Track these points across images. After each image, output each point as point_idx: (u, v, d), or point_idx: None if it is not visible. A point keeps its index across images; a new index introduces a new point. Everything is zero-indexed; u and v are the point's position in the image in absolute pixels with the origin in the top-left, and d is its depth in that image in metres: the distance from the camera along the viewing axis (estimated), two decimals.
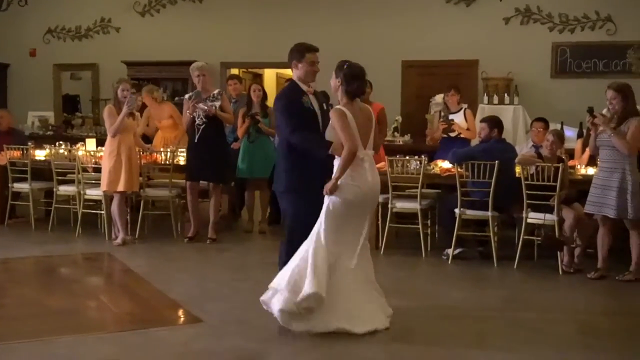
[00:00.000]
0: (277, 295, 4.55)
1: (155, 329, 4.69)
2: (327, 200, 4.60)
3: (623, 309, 5.42)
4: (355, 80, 4.68)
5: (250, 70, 12.01)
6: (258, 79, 12.25)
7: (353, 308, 4.56)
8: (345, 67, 4.71)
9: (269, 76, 12.78)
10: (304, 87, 4.97)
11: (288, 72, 11.84)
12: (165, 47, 10.94)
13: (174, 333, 4.69)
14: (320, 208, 4.62)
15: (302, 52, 4.99)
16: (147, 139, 8.66)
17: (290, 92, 4.96)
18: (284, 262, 4.82)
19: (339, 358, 4.21)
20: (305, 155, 4.78)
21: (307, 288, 4.40)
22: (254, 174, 8.13)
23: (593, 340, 4.57)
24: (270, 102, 8.69)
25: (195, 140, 7.46)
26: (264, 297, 4.66)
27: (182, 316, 5.11)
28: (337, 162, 4.63)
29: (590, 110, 6.20)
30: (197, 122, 7.41)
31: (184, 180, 7.79)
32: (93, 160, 7.94)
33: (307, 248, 4.56)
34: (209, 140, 7.46)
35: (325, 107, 5.05)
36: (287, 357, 4.22)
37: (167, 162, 7.88)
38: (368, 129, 4.70)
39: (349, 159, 4.52)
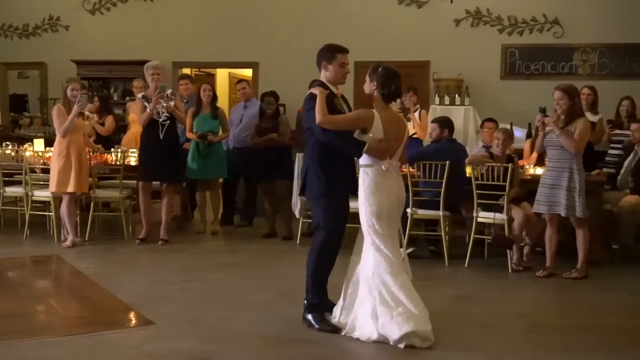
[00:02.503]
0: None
1: (105, 332, 4.61)
2: (362, 216, 4.54)
3: (570, 306, 5.54)
4: (392, 82, 4.56)
5: (202, 70, 11.91)
6: (210, 79, 12.17)
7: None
8: (380, 69, 4.59)
9: (222, 76, 12.70)
10: (334, 89, 4.75)
11: (241, 72, 11.88)
12: (116, 46, 10.78)
13: (125, 336, 4.63)
14: (347, 213, 4.64)
15: (333, 52, 4.79)
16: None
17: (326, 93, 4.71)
18: (312, 271, 4.76)
19: (295, 358, 4.21)
20: (337, 159, 4.64)
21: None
22: (206, 174, 8.08)
23: (542, 337, 4.65)
24: (220, 102, 8.69)
25: (161, 138, 7.38)
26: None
27: (133, 318, 5.03)
28: (363, 160, 4.55)
29: (543, 110, 6.33)
30: (162, 119, 7.33)
31: (135, 181, 7.70)
32: (41, 160, 7.79)
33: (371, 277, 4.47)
34: (170, 139, 7.43)
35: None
36: (241, 358, 4.20)
37: (118, 163, 7.77)
38: (398, 139, 4.59)
39: (320, 108, 4.45)
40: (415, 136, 8.12)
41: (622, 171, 7.36)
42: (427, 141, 7.90)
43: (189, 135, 8.04)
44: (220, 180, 8.56)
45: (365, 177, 4.55)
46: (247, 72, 11.06)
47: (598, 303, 5.56)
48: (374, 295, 4.43)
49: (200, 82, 9.23)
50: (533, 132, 7.91)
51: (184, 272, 6.38)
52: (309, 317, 4.73)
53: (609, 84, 9.05)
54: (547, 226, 6.39)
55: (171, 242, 7.57)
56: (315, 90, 4.60)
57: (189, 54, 10.70)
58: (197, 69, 11.57)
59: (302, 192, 4.85)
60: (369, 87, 4.64)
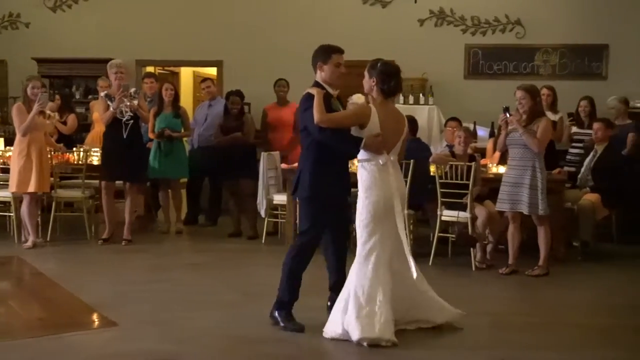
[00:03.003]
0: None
1: (68, 334, 4.55)
2: (359, 209, 4.55)
3: (533, 303, 5.63)
4: (391, 78, 4.59)
5: (166, 68, 11.81)
6: (174, 77, 12.08)
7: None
8: (379, 65, 4.61)
9: (186, 75, 12.61)
10: (330, 90, 4.75)
11: (205, 71, 11.80)
12: (77, 44, 10.60)
13: (88, 337, 4.58)
14: (337, 217, 4.66)
15: (328, 52, 4.80)
16: None
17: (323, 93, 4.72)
18: (287, 269, 4.78)
19: (257, 358, 4.20)
20: (332, 162, 4.65)
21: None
22: (167, 174, 8.03)
23: (505, 334, 4.71)
24: (182, 101, 8.63)
25: (124, 137, 7.29)
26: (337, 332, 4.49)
27: (96, 320, 4.97)
28: (361, 155, 4.57)
29: (506, 109, 6.41)
30: (126, 118, 7.25)
31: (98, 181, 7.61)
32: (1, 160, 7.65)
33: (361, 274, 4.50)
34: (133, 139, 7.36)
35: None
36: (204, 359, 4.18)
37: (80, 162, 7.66)
38: (396, 134, 4.61)
39: (318, 106, 4.49)
40: None
41: (582, 170, 7.49)
42: None
43: (150, 135, 7.98)
44: (184, 180, 8.51)
45: (363, 172, 4.58)
46: (212, 71, 11.00)
47: (559, 300, 5.65)
48: (349, 289, 4.49)
49: (164, 81, 9.16)
50: (496, 131, 8.01)
51: (148, 272, 6.33)
52: (276, 314, 4.74)
53: (569, 84, 9.19)
54: (509, 224, 6.47)
55: (135, 243, 7.49)
56: (313, 90, 4.63)
57: (152, 52, 10.58)
58: (161, 68, 11.46)
59: (294, 193, 4.86)
60: (368, 83, 4.67)
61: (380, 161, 4.52)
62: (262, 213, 7.76)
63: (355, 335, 4.33)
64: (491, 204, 6.76)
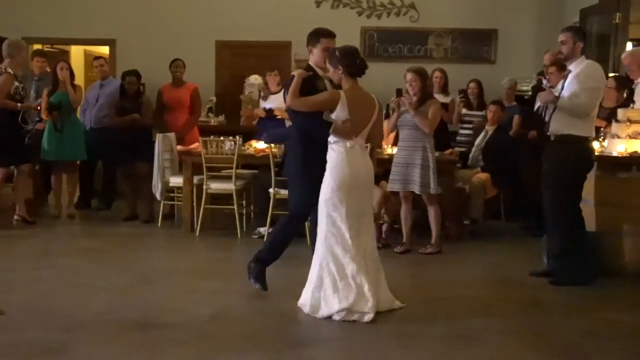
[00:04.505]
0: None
1: None
2: (323, 187, 4.65)
3: (425, 279, 5.77)
4: (352, 57, 4.69)
5: (55, 46, 11.32)
6: (65, 56, 11.59)
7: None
8: (336, 53, 4.71)
9: (77, 53, 12.13)
10: (320, 72, 4.92)
11: (97, 50, 11.40)
12: None
13: None
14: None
15: (317, 36, 5.00)
16: None
17: (307, 75, 4.87)
18: (273, 237, 5.14)
19: (151, 343, 4.12)
20: (317, 140, 4.75)
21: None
22: (63, 156, 7.74)
23: (397, 310, 4.80)
24: (77, 80, 8.32)
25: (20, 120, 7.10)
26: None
27: None
28: (330, 138, 4.68)
29: (399, 92, 6.54)
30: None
31: None
32: None
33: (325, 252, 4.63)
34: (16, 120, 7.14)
35: None
36: (93, 347, 4.05)
37: None
38: (364, 118, 4.70)
39: (292, 89, 4.71)
40: (279, 116, 8.12)
41: (473, 149, 7.75)
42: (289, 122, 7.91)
43: (44, 116, 7.65)
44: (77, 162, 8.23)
45: (331, 153, 4.70)
46: (104, 50, 10.64)
47: (450, 276, 5.83)
48: (318, 264, 4.65)
49: (54, 59, 8.79)
50: (390, 112, 8.15)
51: (37, 258, 6.10)
52: (252, 264, 5.06)
53: (460, 67, 9.44)
54: (402, 204, 6.61)
55: (24, 228, 7.22)
56: (295, 72, 4.82)
57: (41, 29, 10.12)
58: (49, 46, 10.98)
59: (279, 172, 5.01)
60: (335, 73, 4.76)
61: (348, 144, 4.65)
62: (158, 196, 7.61)
63: (333, 308, 4.50)
64: (386, 184, 6.88)
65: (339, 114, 4.64)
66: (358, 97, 4.74)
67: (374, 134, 4.93)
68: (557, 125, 5.45)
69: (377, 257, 4.86)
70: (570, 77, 5.46)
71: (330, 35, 5.03)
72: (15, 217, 7.25)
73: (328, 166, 4.69)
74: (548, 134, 5.54)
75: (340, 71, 4.72)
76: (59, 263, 5.93)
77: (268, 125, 7.68)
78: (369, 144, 5.14)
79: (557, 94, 5.49)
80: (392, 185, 6.52)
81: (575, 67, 5.46)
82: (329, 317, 4.52)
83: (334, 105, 4.66)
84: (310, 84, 4.83)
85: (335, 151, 4.69)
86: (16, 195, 7.34)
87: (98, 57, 9.05)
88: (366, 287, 4.53)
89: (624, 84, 6.74)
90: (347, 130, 4.64)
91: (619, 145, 5.91)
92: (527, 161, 7.51)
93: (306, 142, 4.87)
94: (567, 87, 5.44)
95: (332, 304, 4.53)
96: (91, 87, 8.93)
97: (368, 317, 4.49)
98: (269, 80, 8.14)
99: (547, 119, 5.56)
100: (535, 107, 7.25)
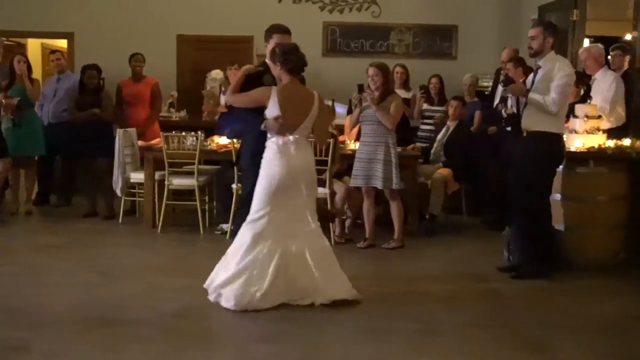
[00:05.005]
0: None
1: None
2: (258, 182, 4.70)
3: (390, 275, 5.80)
4: (288, 54, 4.70)
5: (12, 39, 11.09)
6: (21, 49, 11.37)
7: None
8: (276, 50, 4.76)
9: (34, 47, 11.91)
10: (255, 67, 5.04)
11: (54, 43, 11.20)
12: None
13: None
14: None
15: (270, 32, 5.07)
16: None
17: (254, 70, 4.94)
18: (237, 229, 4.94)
19: (115, 340, 4.08)
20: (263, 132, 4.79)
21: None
22: (21, 151, 7.60)
23: (360, 305, 4.81)
24: (34, 74, 8.17)
25: None
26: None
27: None
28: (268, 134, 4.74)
29: (361, 87, 6.55)
30: None
31: None
32: None
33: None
34: None
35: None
36: (57, 345, 3.99)
37: None
38: (299, 114, 4.69)
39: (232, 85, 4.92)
40: None
41: (434, 145, 7.81)
42: None
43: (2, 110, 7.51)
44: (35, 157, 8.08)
45: (267, 149, 4.74)
46: (62, 43, 10.46)
47: (412, 271, 5.87)
48: (231, 247, 4.76)
49: (11, 52, 8.62)
50: (352, 108, 8.18)
51: None
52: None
53: (422, 63, 9.53)
54: (364, 199, 6.64)
55: None
56: (244, 68, 4.93)
57: None
58: (5, 39, 10.74)
59: (235, 164, 5.19)
60: (275, 69, 4.80)
61: (280, 141, 4.66)
62: (118, 192, 7.53)
63: (228, 301, 4.56)
64: (349, 179, 6.91)
65: (270, 111, 4.68)
66: (293, 94, 4.75)
67: (317, 131, 4.92)
68: (529, 121, 5.50)
69: (323, 255, 4.82)
70: (540, 73, 5.51)
71: (283, 31, 5.06)
72: None
73: (262, 162, 4.74)
74: (521, 129, 5.56)
75: (279, 67, 4.76)
76: (19, 260, 5.82)
77: (230, 120, 7.63)
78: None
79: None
80: (355, 180, 6.55)
81: (545, 63, 5.50)
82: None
83: (264, 102, 4.70)
84: (257, 79, 4.86)
85: (269, 148, 4.73)
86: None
87: (55, 51, 8.89)
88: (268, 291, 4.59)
89: (582, 80, 6.86)
90: (277, 127, 4.65)
91: (577, 141, 6.03)
92: (487, 156, 7.62)
93: (255, 134, 4.87)
94: (538, 83, 5.48)
95: (227, 299, 4.60)
96: (48, 81, 8.77)
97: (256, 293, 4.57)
98: (230, 75, 8.09)
99: (514, 110, 5.61)
100: (495, 104, 7.37)
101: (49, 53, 9.04)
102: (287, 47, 4.77)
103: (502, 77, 5.95)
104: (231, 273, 4.63)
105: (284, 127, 4.65)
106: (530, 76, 5.66)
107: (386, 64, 6.66)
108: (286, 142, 4.67)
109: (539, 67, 5.53)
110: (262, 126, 4.70)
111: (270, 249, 4.64)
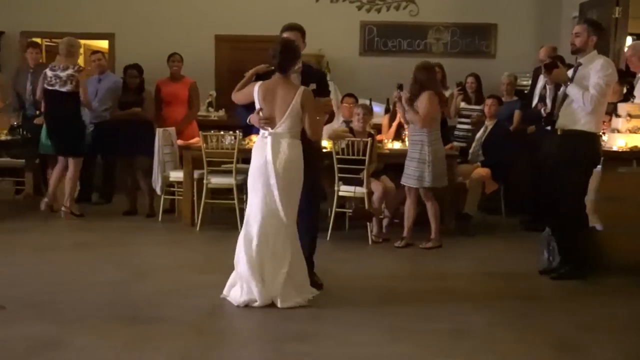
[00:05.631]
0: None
1: None
2: None
3: (424, 274, 5.77)
4: (278, 52, 4.70)
5: (54, 40, 11.29)
6: None
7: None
8: (274, 45, 4.76)
9: (93, 50, 12.09)
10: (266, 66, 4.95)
11: (96, 44, 11.37)
12: None
13: None
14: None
15: (281, 31, 5.08)
16: None
17: (264, 69, 4.95)
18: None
19: (149, 337, 4.12)
20: None
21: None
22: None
23: (394, 305, 4.82)
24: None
25: None
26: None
27: None
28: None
29: (400, 86, 6.57)
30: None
31: None
32: None
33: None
34: None
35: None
36: (89, 341, 4.05)
37: None
38: (280, 108, 4.68)
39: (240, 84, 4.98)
40: None
41: (473, 144, 7.74)
42: None
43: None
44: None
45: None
46: (103, 44, 10.62)
47: (449, 271, 5.84)
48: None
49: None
50: (391, 107, 8.16)
51: (35, 253, 6.09)
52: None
53: (460, 61, 9.45)
54: (406, 198, 6.62)
55: (23, 222, 7.26)
56: (255, 68, 4.96)
57: (40, 23, 10.11)
58: (48, 40, 10.96)
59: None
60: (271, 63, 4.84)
61: (262, 134, 4.78)
62: (158, 190, 7.61)
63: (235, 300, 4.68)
64: (387, 179, 6.90)
65: (256, 105, 4.76)
66: (273, 89, 4.73)
67: (307, 127, 4.74)
68: (565, 120, 5.42)
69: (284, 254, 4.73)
70: (580, 70, 5.40)
71: (290, 28, 5.08)
72: (63, 209, 7.51)
73: None
74: (555, 128, 5.50)
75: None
76: (58, 257, 5.93)
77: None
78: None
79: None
80: (402, 179, 6.58)
81: (586, 61, 5.40)
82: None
83: (250, 97, 4.79)
84: (263, 77, 4.88)
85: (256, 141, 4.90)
86: (68, 187, 7.60)
87: (96, 52, 9.02)
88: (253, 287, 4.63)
89: (625, 78, 6.73)
90: (257, 121, 4.74)
91: (619, 140, 5.91)
92: (525, 156, 7.52)
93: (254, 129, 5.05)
94: (576, 80, 5.37)
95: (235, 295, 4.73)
96: (89, 81, 8.86)
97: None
98: None
99: (549, 108, 5.53)
100: (534, 103, 7.28)
101: (90, 54, 9.18)
102: (277, 45, 4.75)
103: (545, 62, 5.86)
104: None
105: (263, 121, 4.71)
106: (570, 72, 5.55)
107: (429, 63, 6.63)
108: (264, 136, 4.74)
109: (580, 65, 5.44)
110: (247, 120, 4.84)
111: (251, 236, 4.71)
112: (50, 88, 7.40)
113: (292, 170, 4.70)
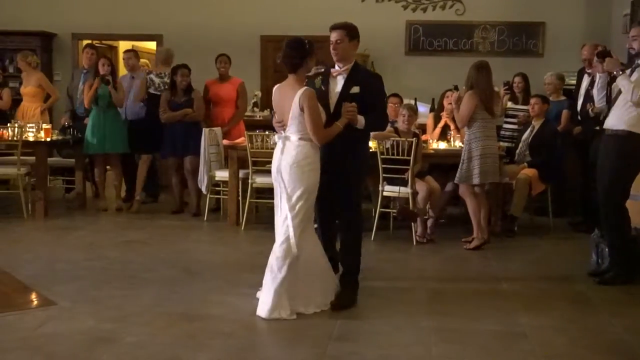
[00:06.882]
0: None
1: (3, 314, 4.44)
2: None
3: (471, 275, 5.72)
4: (282, 53, 4.70)
5: (104, 42, 11.52)
6: (113, 51, 11.81)
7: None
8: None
9: (125, 49, 12.30)
10: (337, 67, 4.90)
11: (145, 45, 11.56)
12: (11, 16, 10.26)
13: (24, 317, 4.45)
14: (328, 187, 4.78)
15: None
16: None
17: (310, 74, 4.93)
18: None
19: (197, 335, 4.18)
20: None
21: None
22: (105, 149, 7.89)
23: (440, 306, 4.81)
24: (124, 74, 8.45)
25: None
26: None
27: (32, 299, 4.86)
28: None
29: (456, 87, 6.64)
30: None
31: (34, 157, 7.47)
32: None
33: None
34: None
35: (322, 88, 4.88)
36: (142, 337, 4.13)
37: (15, 139, 7.43)
38: (285, 112, 4.61)
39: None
40: None
41: (520, 145, 7.64)
42: None
43: (87, 105, 7.90)
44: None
45: None
46: (152, 45, 10.79)
47: (496, 272, 5.78)
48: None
49: (102, 55, 8.93)
50: (436, 107, 8.11)
51: (85, 250, 6.21)
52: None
53: (507, 61, 9.34)
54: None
55: (72, 220, 7.40)
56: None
57: (89, 25, 10.33)
58: (98, 42, 11.17)
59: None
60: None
61: (276, 137, 4.80)
62: (204, 189, 7.70)
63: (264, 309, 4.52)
64: (432, 179, 6.86)
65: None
66: (286, 90, 4.69)
67: (307, 127, 4.57)
68: (614, 120, 5.34)
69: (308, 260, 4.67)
70: (637, 71, 5.28)
71: (333, 27, 5.01)
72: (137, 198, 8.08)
73: None
74: (604, 128, 5.40)
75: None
76: (107, 255, 6.04)
77: None
78: None
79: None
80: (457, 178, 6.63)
81: None
82: None
83: None
84: (308, 82, 4.82)
85: None
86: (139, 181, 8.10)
87: (128, 50, 8.98)
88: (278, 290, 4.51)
89: None
90: (275, 123, 4.73)
91: None
92: (573, 156, 7.41)
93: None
94: (636, 78, 5.26)
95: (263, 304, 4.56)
96: (123, 79, 8.84)
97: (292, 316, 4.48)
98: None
99: (597, 105, 5.43)
100: (579, 103, 7.18)
101: (123, 52, 9.22)
102: (286, 43, 4.71)
103: (599, 49, 5.78)
104: None
105: (277, 124, 4.71)
106: (635, 74, 5.43)
107: (480, 62, 6.60)
108: (278, 139, 4.72)
109: (638, 66, 5.33)
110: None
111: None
112: (157, 93, 8.00)
113: (296, 173, 4.55)
